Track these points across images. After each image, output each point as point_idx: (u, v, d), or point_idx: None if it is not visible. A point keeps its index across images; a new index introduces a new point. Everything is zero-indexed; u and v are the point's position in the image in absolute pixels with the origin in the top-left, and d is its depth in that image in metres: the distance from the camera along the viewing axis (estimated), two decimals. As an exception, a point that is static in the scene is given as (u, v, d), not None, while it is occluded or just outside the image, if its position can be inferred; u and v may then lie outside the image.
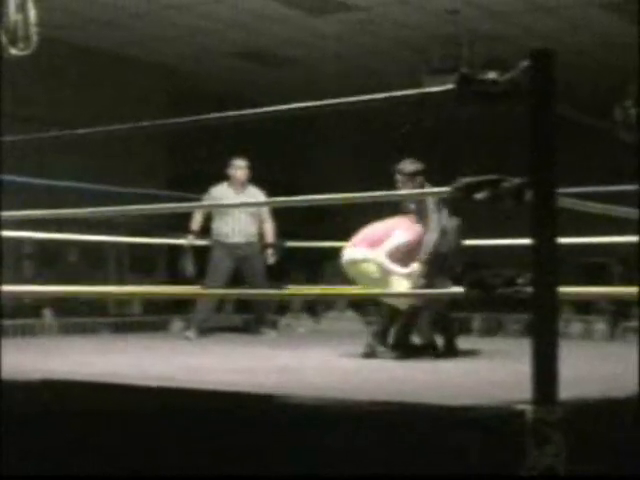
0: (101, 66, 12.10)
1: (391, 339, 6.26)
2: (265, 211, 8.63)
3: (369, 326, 10.71)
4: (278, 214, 8.75)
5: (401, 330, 6.25)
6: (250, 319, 9.10)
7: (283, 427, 3.43)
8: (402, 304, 6.15)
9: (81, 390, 3.94)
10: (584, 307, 11.76)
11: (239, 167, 8.57)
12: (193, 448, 3.49)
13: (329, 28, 11.39)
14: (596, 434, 3.21)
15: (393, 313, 6.26)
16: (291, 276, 11.31)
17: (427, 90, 3.92)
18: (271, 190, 8.29)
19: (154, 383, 4.01)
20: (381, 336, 6.29)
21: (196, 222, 8.55)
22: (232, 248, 8.48)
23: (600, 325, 11.01)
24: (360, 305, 11.19)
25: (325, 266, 13.16)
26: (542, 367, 2.99)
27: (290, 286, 8.81)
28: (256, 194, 8.54)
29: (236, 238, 8.50)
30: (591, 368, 5.31)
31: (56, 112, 10.69)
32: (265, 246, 8.62)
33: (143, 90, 12.53)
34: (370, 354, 6.18)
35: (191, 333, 8.22)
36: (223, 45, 12.14)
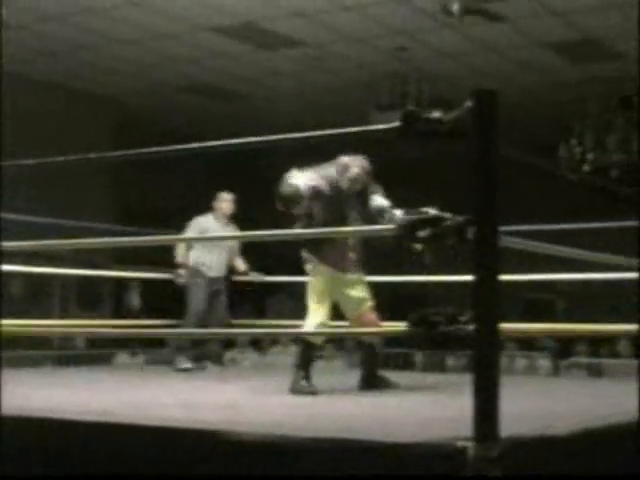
0: (48, 98, 12.04)
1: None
2: (238, 247, 8.88)
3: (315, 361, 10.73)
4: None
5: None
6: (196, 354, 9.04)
7: (226, 464, 3.41)
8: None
9: (20, 425, 3.89)
10: (528, 343, 11.85)
11: (225, 200, 8.76)
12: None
13: (279, 64, 11.45)
14: (536, 471, 3.22)
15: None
16: (237, 309, 11.29)
17: (372, 128, 3.94)
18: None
19: (94, 418, 3.97)
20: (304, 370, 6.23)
21: (180, 254, 8.66)
22: (210, 280, 8.65)
23: (544, 361, 11.12)
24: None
25: (268, 301, 13.19)
26: (483, 404, 3.00)
27: (236, 321, 8.77)
28: (236, 228, 8.73)
29: (214, 272, 8.69)
30: (533, 404, 5.34)
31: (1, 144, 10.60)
32: (245, 274, 8.83)
33: (91, 123, 12.48)
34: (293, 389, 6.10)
35: (186, 363, 8.34)
36: (172, 79, 12.14)
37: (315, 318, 6.15)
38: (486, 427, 2.98)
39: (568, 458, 3.46)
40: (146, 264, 9.34)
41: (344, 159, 6.31)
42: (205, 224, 8.62)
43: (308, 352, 6.23)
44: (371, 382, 6.33)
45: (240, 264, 8.81)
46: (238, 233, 8.63)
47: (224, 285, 8.80)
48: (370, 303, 6.33)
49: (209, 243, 8.76)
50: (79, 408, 4.70)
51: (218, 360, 9.03)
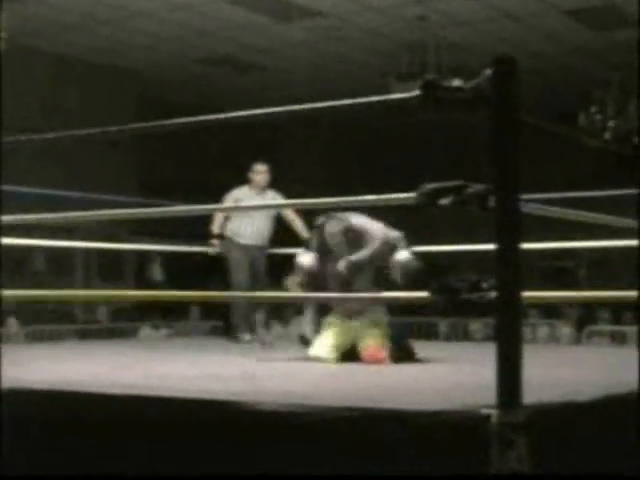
0: (69, 73, 12.07)
1: None
2: (290, 212, 8.79)
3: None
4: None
5: None
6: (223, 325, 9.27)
7: (249, 434, 3.43)
8: None
9: (47, 399, 3.92)
10: (550, 311, 11.85)
11: (259, 172, 8.84)
12: (159, 456, 3.48)
13: (297, 35, 11.42)
14: (560, 438, 3.23)
15: None
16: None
17: (392, 96, 3.93)
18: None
19: (120, 391, 4.00)
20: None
21: (217, 225, 8.78)
22: (246, 249, 8.73)
23: (566, 329, 11.11)
24: (329, 310, 11.19)
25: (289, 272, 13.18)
26: (506, 371, 3.01)
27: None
28: (275, 197, 8.75)
29: (250, 240, 8.74)
30: (556, 371, 5.34)
31: (24, 119, 10.64)
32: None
33: (111, 97, 12.51)
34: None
35: (246, 335, 8.53)
36: (190, 51, 12.14)
37: None
38: (510, 394, 2.99)
39: (592, 424, 3.47)
40: (167, 237, 9.37)
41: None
42: (239, 194, 8.71)
43: None
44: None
45: (299, 227, 8.67)
46: (271, 202, 8.71)
47: (263, 254, 8.85)
48: None
49: (243, 213, 8.77)
50: (101, 381, 4.73)
51: (251, 329, 9.06)
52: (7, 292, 5.09)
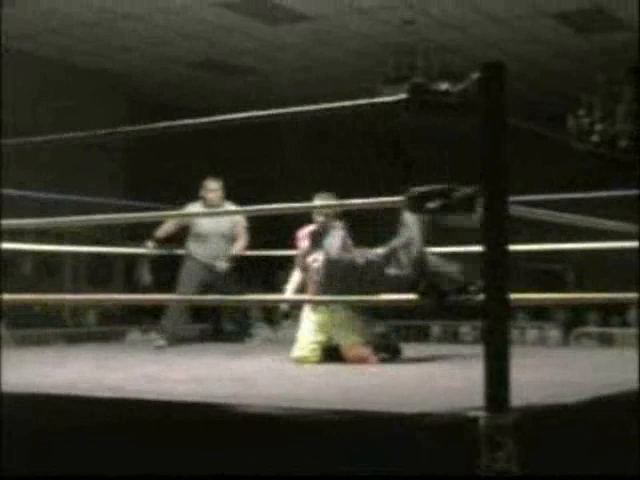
0: (58, 76, 12.05)
1: None
2: (241, 226, 8.52)
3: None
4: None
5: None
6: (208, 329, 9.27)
7: (238, 437, 3.44)
8: None
9: (36, 402, 3.92)
10: (539, 314, 11.88)
11: (211, 189, 8.43)
12: (148, 458, 3.48)
13: (285, 38, 11.42)
14: (548, 440, 3.25)
15: None
16: (247, 285, 11.30)
17: (380, 100, 3.94)
18: (234, 199, 8.31)
19: (107, 394, 4.00)
20: None
21: (163, 231, 8.46)
22: (204, 267, 8.43)
23: (554, 331, 11.14)
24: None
25: (279, 275, 13.19)
26: (494, 374, 3.02)
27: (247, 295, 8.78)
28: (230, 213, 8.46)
29: (207, 260, 8.44)
30: (544, 374, 5.36)
31: (9, 122, 10.61)
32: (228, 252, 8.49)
33: (100, 100, 12.49)
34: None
35: (162, 341, 8.17)
36: (181, 55, 12.13)
37: None
38: (498, 397, 3.00)
39: (579, 426, 3.48)
40: (156, 240, 9.34)
41: None
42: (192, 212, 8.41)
43: None
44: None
45: (238, 246, 8.57)
46: (235, 209, 8.19)
47: (223, 276, 8.47)
48: None
49: (199, 237, 8.43)
50: (90, 384, 4.73)
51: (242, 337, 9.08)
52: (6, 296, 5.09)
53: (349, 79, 12.50)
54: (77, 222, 6.63)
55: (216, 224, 8.41)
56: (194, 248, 8.47)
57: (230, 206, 8.30)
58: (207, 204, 8.36)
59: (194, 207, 8.34)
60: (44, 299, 7.84)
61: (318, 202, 6.64)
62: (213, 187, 8.42)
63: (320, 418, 3.34)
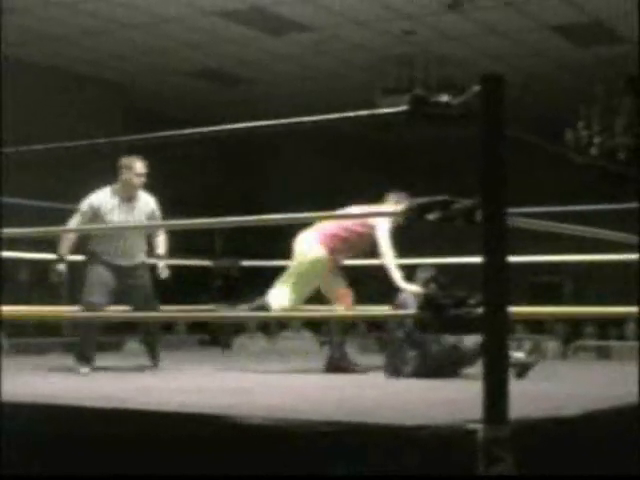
0: (56, 84, 12.06)
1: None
2: (157, 220, 6.96)
3: (324, 345, 10.77)
4: (233, 232, 8.75)
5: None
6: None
7: (235, 448, 3.43)
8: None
9: (32, 411, 3.91)
10: (537, 326, 11.88)
11: (138, 173, 6.75)
12: (143, 470, 3.47)
13: (285, 48, 11.45)
14: (546, 453, 3.24)
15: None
16: (246, 296, 11.30)
17: (380, 111, 3.95)
18: (229, 208, 8.21)
19: (104, 404, 3.99)
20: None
21: (66, 246, 6.74)
22: (116, 268, 6.74)
23: (552, 344, 11.13)
24: (315, 324, 11.22)
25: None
26: (493, 386, 3.02)
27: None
28: (149, 203, 6.91)
29: (122, 261, 6.76)
30: (542, 387, 5.35)
31: (7, 130, 10.61)
32: (158, 257, 6.93)
33: (98, 108, 12.49)
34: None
35: (85, 369, 6.51)
36: (178, 64, 12.15)
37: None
38: (496, 409, 2.99)
39: (577, 440, 3.48)
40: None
41: None
42: (103, 204, 6.72)
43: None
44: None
45: (161, 242, 6.96)
46: (148, 212, 6.85)
47: (141, 276, 6.86)
48: None
49: (110, 234, 6.80)
50: (86, 394, 4.72)
51: (227, 345, 9.00)
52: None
53: (348, 90, 12.52)
54: (73, 230, 6.64)
55: (127, 215, 6.77)
56: (101, 247, 6.73)
57: (147, 197, 6.93)
58: (124, 191, 6.78)
59: (102, 196, 6.77)
60: (50, 312, 7.73)
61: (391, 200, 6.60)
62: (141, 169, 6.75)
63: (318, 430, 3.33)
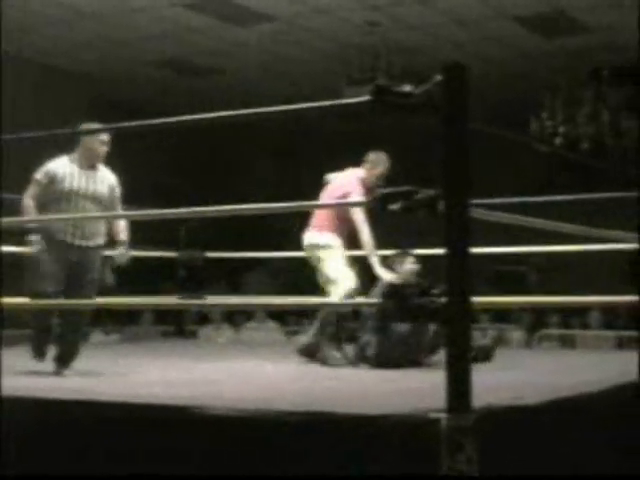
0: (20, 74, 11.95)
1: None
2: (117, 200, 6.21)
3: (290, 336, 10.78)
4: (197, 223, 8.72)
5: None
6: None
7: (202, 439, 3.43)
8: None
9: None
10: (501, 316, 11.94)
11: (103, 141, 6.03)
12: (108, 460, 3.47)
13: (251, 38, 11.40)
14: (509, 441, 3.26)
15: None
16: (211, 287, 11.28)
17: (343, 101, 3.95)
18: (196, 198, 8.15)
19: (70, 396, 3.98)
20: (336, 342, 6.53)
21: (32, 215, 5.96)
22: (67, 249, 5.91)
23: (517, 333, 11.19)
24: (281, 315, 11.22)
25: (245, 276, 13.18)
26: (456, 376, 3.03)
27: (210, 297, 8.77)
28: (111, 176, 6.20)
29: (78, 240, 5.95)
30: (506, 376, 5.39)
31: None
32: (115, 243, 6.21)
33: (64, 99, 12.39)
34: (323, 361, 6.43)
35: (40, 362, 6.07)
36: (143, 54, 12.08)
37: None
38: (459, 398, 3.01)
39: (540, 427, 3.50)
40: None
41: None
42: (61, 171, 5.99)
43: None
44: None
45: (121, 224, 6.23)
46: (109, 184, 6.13)
47: (94, 258, 6.06)
48: None
49: (67, 202, 5.93)
50: (53, 386, 4.70)
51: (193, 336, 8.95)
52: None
53: (313, 80, 12.50)
54: (29, 221, 6.37)
55: (88, 184, 6.03)
56: (52, 223, 5.97)
57: (108, 171, 6.20)
58: (85, 159, 6.04)
59: (62, 163, 6.04)
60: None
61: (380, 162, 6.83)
62: (105, 137, 6.05)
63: (284, 419, 3.34)
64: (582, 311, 12.03)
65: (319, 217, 6.68)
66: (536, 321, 12.03)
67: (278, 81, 13.00)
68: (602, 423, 3.87)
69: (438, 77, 3.15)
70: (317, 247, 6.66)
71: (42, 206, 5.96)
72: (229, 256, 9.12)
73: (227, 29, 11.03)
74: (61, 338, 6.06)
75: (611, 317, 12.14)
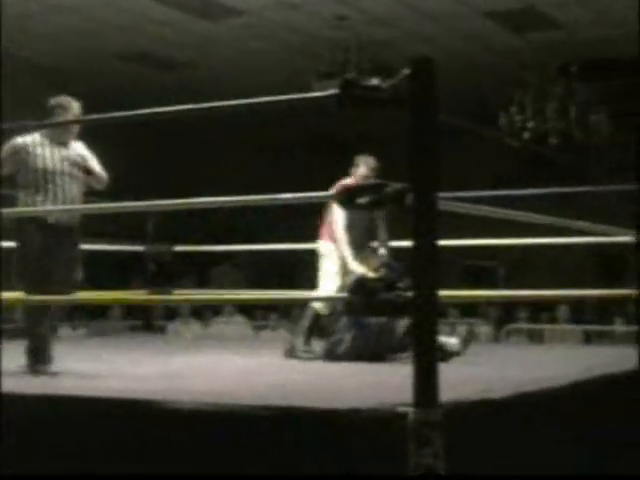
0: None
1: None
2: (95, 162, 5.75)
3: (258, 330, 10.78)
4: (166, 218, 8.69)
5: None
6: None
7: (170, 433, 3.41)
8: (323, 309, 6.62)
9: None
10: (470, 310, 11.97)
11: (76, 116, 5.67)
12: (74, 455, 3.44)
13: (219, 32, 11.36)
14: (476, 435, 3.26)
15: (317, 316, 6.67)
16: (179, 281, 11.25)
17: (310, 95, 3.94)
18: (162, 192, 8.10)
19: (39, 390, 3.95)
20: (306, 336, 6.60)
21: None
22: (51, 230, 5.47)
23: (485, 328, 11.23)
24: (249, 310, 11.21)
25: (213, 271, 13.16)
26: (423, 370, 3.03)
27: (178, 291, 8.73)
28: (81, 147, 5.75)
29: (59, 218, 5.49)
30: (473, 370, 5.40)
31: None
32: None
33: (28, 91, 12.30)
34: (291, 352, 6.47)
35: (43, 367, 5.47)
36: (112, 48, 12.01)
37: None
38: (426, 392, 3.01)
39: (507, 421, 3.51)
40: (89, 235, 9.24)
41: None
42: (28, 142, 5.54)
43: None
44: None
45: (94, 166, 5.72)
46: (81, 157, 5.66)
47: (75, 239, 5.65)
48: None
49: (45, 179, 5.48)
50: (24, 380, 4.67)
51: (162, 331, 8.91)
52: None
53: (284, 74, 12.47)
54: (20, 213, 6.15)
55: (61, 157, 5.60)
56: (27, 199, 5.52)
57: (79, 145, 5.76)
58: (58, 135, 5.62)
59: (31, 137, 5.59)
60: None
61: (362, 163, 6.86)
62: (79, 111, 5.69)
63: (250, 413, 3.32)
64: (550, 306, 12.10)
65: (322, 226, 6.92)
66: (504, 315, 12.08)
67: (247, 76, 12.96)
68: (568, 417, 3.88)
69: (406, 71, 3.14)
70: (319, 255, 6.88)
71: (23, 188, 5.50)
72: (197, 250, 9.09)
73: (196, 23, 10.98)
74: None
75: (579, 312, 12.22)
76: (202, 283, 12.52)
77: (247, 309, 11.09)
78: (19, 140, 5.52)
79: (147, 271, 8.71)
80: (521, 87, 11.62)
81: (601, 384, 4.44)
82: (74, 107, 5.67)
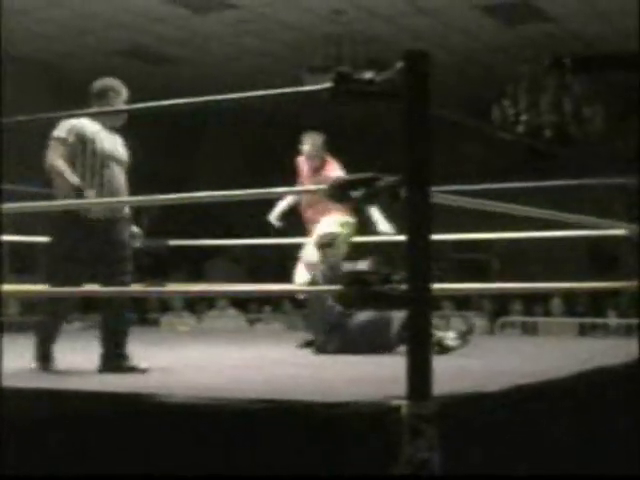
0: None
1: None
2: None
3: (251, 324, 10.77)
4: (162, 212, 8.69)
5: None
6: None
7: (162, 427, 3.41)
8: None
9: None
10: (464, 303, 11.99)
11: (126, 101, 5.45)
12: (67, 451, 3.44)
13: (213, 27, 11.35)
14: (470, 428, 3.27)
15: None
16: (172, 274, 11.24)
17: (304, 89, 3.93)
18: (159, 186, 8.06)
19: (30, 385, 3.94)
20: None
21: (70, 174, 4.94)
22: (92, 226, 4.98)
23: (479, 320, 11.25)
24: (242, 303, 11.20)
25: (206, 264, 13.15)
26: (417, 362, 3.03)
27: (172, 284, 8.72)
28: (119, 139, 5.36)
29: (101, 212, 4.99)
30: (467, 363, 5.40)
31: None
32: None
33: (26, 88, 12.28)
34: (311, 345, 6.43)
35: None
36: (106, 43, 11.99)
37: None
38: (420, 385, 3.01)
39: (501, 414, 3.51)
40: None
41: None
42: (85, 128, 5.11)
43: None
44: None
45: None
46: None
47: (123, 232, 5.14)
48: None
49: (93, 166, 5.02)
50: (13, 375, 4.65)
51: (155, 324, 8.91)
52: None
53: (277, 68, 12.47)
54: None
55: (116, 146, 5.26)
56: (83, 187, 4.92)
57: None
58: (110, 121, 5.29)
59: (86, 121, 5.18)
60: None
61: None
62: (124, 94, 5.54)
63: (244, 408, 3.32)
64: (544, 298, 12.12)
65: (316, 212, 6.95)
66: (498, 308, 12.10)
67: (241, 70, 12.95)
68: (563, 410, 3.89)
69: (400, 64, 3.14)
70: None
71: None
72: (191, 244, 9.07)
73: (190, 17, 10.97)
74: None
75: (573, 304, 12.24)
76: (196, 277, 12.51)
77: (241, 302, 11.08)
78: (76, 124, 5.06)
79: (143, 265, 8.68)
80: (515, 80, 11.63)
81: (599, 376, 4.44)
82: (124, 93, 5.46)
